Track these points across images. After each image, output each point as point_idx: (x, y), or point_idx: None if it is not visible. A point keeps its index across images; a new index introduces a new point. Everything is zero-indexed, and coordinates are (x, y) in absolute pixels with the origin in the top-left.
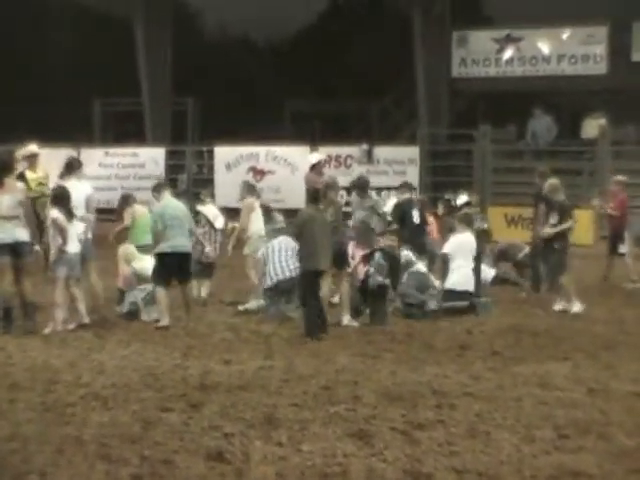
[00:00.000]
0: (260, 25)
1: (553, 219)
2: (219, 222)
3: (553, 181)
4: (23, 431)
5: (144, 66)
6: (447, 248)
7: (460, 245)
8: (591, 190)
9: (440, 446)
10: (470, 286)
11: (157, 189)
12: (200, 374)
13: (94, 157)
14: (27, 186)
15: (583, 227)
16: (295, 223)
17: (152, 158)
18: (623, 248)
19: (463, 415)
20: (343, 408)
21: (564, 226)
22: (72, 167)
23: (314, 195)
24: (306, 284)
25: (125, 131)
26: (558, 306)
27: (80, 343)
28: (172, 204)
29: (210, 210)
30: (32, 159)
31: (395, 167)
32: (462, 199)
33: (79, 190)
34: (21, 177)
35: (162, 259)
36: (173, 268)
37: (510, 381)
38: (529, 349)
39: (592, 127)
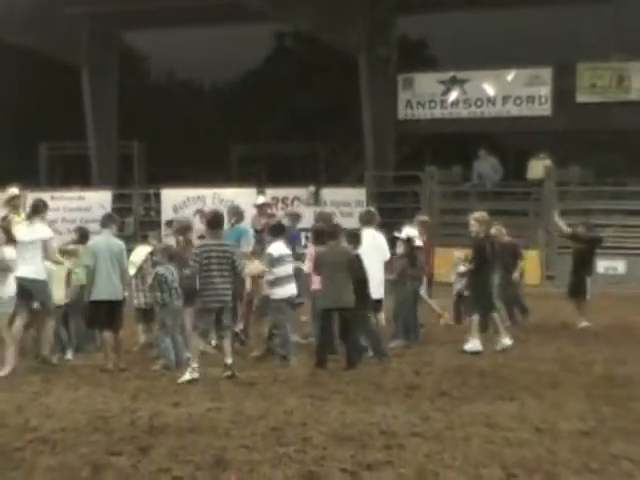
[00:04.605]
0: (206, 69)
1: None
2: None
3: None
4: None
5: (90, 110)
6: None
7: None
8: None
9: None
10: (380, 293)
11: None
12: (149, 417)
13: None
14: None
15: (530, 267)
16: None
17: (98, 202)
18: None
19: (412, 455)
20: (292, 450)
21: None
22: (38, 209)
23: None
24: (321, 321)
25: (71, 175)
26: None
27: (28, 387)
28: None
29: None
30: (14, 201)
31: (342, 209)
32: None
33: (42, 232)
34: (5, 220)
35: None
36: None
37: (458, 421)
38: (476, 389)
39: (537, 168)
